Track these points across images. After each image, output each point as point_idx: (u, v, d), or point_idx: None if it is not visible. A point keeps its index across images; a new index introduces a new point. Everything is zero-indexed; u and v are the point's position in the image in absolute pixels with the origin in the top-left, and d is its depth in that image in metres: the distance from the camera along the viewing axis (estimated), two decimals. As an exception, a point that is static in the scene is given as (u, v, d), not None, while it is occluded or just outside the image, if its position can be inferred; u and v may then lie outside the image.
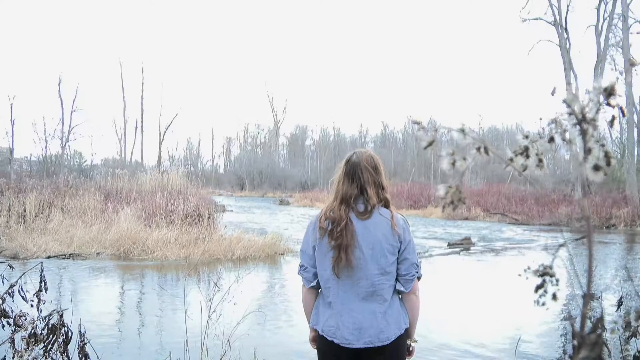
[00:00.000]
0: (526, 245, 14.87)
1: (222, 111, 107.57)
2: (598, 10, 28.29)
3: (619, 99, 0.46)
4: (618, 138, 31.45)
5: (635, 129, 27.52)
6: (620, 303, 3.32)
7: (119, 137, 53.26)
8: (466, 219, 24.62)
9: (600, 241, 15.80)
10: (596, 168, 0.47)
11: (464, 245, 14.46)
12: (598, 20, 28.22)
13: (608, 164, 0.47)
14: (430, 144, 0.48)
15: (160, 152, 52.07)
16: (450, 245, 14.51)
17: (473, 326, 6.35)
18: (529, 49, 38.92)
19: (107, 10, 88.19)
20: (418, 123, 0.47)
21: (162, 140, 52.26)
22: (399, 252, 2.37)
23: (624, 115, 0.48)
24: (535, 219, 22.86)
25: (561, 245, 0.49)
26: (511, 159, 0.51)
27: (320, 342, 2.43)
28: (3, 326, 2.97)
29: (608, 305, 6.44)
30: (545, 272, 0.51)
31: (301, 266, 2.49)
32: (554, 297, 0.53)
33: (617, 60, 28.41)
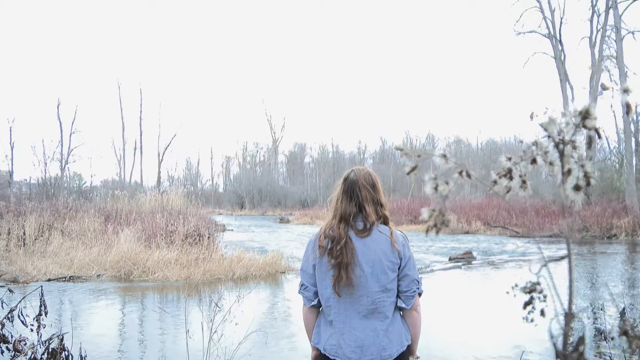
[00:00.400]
0: (527, 258, 14.84)
1: (221, 130, 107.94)
2: (591, 22, 28.58)
3: (594, 121, 0.47)
4: (616, 148, 31.56)
5: (633, 139, 27.62)
6: (622, 314, 3.32)
7: (118, 158, 53.33)
8: (467, 232, 24.59)
9: (602, 252, 15.77)
10: (577, 188, 0.48)
11: (465, 259, 14.42)
12: (592, 32, 28.49)
13: (588, 184, 0.49)
14: (412, 169, 0.50)
15: (159, 172, 52.12)
16: (451, 259, 14.47)
17: (475, 341, 6.31)
18: (525, 61, 39.02)
19: (105, 32, 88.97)
20: (401, 149, 0.48)
21: (161, 160, 52.34)
22: (399, 268, 2.38)
23: (599, 137, 0.49)
24: (536, 231, 22.82)
25: (543, 266, 0.50)
26: (495, 182, 0.53)
27: (322, 360, 2.43)
28: (2, 352, 2.96)
29: (611, 317, 6.42)
30: (532, 289, 0.52)
31: (301, 285, 2.49)
32: (542, 313, 0.54)
33: (612, 71, 28.58)
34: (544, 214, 25.33)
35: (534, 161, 0.51)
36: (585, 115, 0.47)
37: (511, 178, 0.52)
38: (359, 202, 2.40)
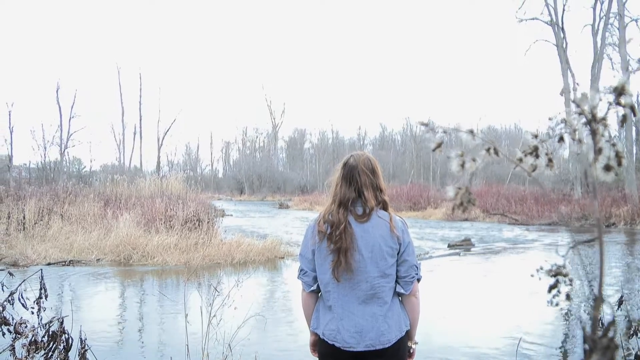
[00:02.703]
0: (526, 246, 14.87)
1: (221, 115, 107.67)
2: (594, 9, 28.38)
3: (630, 98, 0.45)
4: (616, 137, 31.49)
5: (634, 127, 27.56)
6: (620, 302, 3.32)
7: (117, 143, 53.17)
8: (466, 219, 24.62)
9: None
10: (607, 168, 0.46)
11: (464, 246, 14.45)
12: (594, 19, 28.31)
13: (619, 163, 0.47)
14: (438, 145, 0.47)
15: (159, 157, 51.98)
16: (450, 246, 14.51)
17: (474, 327, 6.33)
18: (526, 49, 38.82)
19: (105, 16, 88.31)
20: (426, 124, 0.46)
21: (161, 145, 52.18)
22: (398, 254, 2.37)
23: (634, 114, 0.47)
24: (535, 218, 22.87)
25: (572, 247, 0.48)
26: (520, 159, 0.50)
27: (321, 346, 2.43)
28: (4, 334, 2.95)
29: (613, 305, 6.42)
30: (558, 272, 0.50)
31: (301, 270, 2.48)
32: (568, 297, 0.52)
33: (614, 59, 28.46)
34: (543, 202, 25.35)
35: (561, 139, 0.49)
36: (620, 91, 0.45)
37: (537, 156, 0.50)
38: (358, 187, 2.39)
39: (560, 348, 5.53)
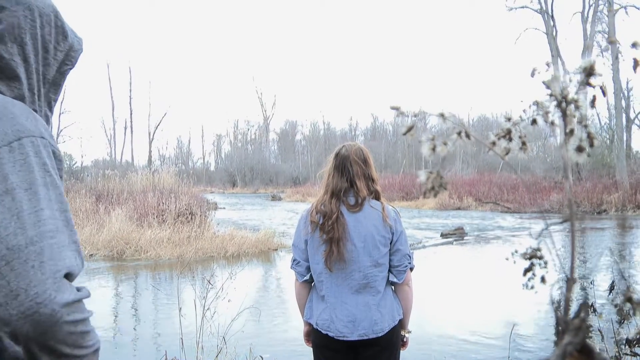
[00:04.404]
0: (518, 234, 14.96)
1: (212, 108, 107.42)
2: (583, -4, 28.40)
3: (600, 79, 0.45)
4: (607, 124, 31.67)
5: (624, 115, 27.69)
6: (612, 287, 3.34)
7: (108, 138, 53.06)
8: (458, 208, 24.72)
9: (592, 227, 15.92)
10: (579, 149, 0.46)
11: (456, 235, 14.52)
12: (584, 7, 28.36)
13: (591, 145, 0.47)
14: (409, 129, 0.48)
15: (150, 151, 51.80)
16: (443, 235, 14.56)
17: (467, 315, 6.38)
18: (516, 37, 38.79)
19: (94, 11, 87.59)
20: (397, 108, 0.46)
21: (152, 139, 51.98)
22: (391, 243, 2.38)
23: (604, 94, 0.47)
24: (527, 207, 22.98)
25: (544, 229, 0.49)
26: (493, 143, 0.51)
27: (315, 335, 2.44)
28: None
29: (601, 289, 6.48)
30: (533, 255, 0.50)
31: (294, 260, 2.49)
32: (543, 279, 0.53)
33: (603, 46, 28.53)
34: (535, 189, 25.48)
35: (534, 121, 0.49)
36: (589, 71, 0.45)
37: (510, 139, 0.50)
38: (350, 178, 2.39)
39: (553, 331, 5.58)
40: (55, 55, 1.18)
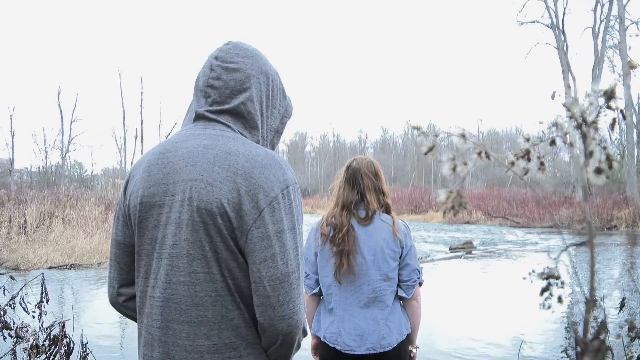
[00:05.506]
0: (527, 249, 14.85)
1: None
2: (595, 12, 28.44)
3: (619, 102, 0.46)
4: (618, 139, 31.51)
5: (635, 130, 27.57)
6: (622, 305, 3.31)
7: (118, 147, 53.12)
8: (467, 222, 24.60)
9: (602, 242, 15.78)
10: (598, 171, 0.46)
11: (465, 249, 14.44)
12: (595, 22, 28.36)
13: (610, 167, 0.47)
14: (430, 149, 0.48)
15: (160, 161, 51.83)
16: (451, 249, 14.49)
17: (475, 330, 6.32)
18: (527, 52, 38.70)
19: (106, 20, 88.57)
20: (418, 128, 0.47)
21: (162, 149, 52.05)
22: (400, 257, 2.37)
23: (624, 118, 0.47)
24: (537, 221, 22.84)
25: (563, 250, 0.49)
26: (512, 163, 0.51)
27: (322, 348, 2.42)
28: (5, 338, 2.96)
29: (611, 307, 6.42)
30: (550, 275, 0.50)
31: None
32: (560, 300, 0.53)
33: (614, 62, 28.50)
34: (544, 204, 25.33)
35: (553, 142, 0.50)
36: (610, 95, 0.45)
37: (529, 160, 0.50)
38: (361, 190, 2.39)
39: (561, 350, 5.52)
40: (279, 110, 1.49)
